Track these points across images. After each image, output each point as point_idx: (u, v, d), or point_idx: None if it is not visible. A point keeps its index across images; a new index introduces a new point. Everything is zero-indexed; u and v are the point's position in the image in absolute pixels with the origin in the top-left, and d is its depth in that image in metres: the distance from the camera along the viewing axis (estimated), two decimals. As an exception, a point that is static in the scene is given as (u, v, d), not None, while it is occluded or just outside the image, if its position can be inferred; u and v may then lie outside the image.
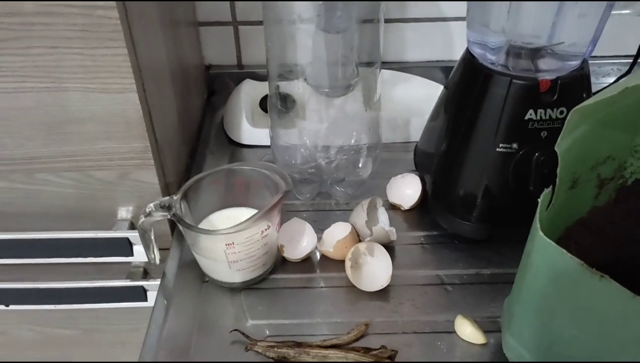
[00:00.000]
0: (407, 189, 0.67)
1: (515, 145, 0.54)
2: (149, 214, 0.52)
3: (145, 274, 0.66)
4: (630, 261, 0.46)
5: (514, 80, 0.52)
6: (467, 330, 0.51)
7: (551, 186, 0.42)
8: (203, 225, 0.57)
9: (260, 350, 0.48)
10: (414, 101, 0.79)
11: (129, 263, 0.65)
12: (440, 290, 0.57)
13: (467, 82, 0.57)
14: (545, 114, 0.52)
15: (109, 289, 0.64)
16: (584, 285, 0.36)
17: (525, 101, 0.52)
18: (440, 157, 0.61)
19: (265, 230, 0.52)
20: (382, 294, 0.56)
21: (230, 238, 0.50)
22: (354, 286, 0.56)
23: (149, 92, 0.55)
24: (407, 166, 0.70)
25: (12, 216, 0.60)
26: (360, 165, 0.67)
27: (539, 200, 0.41)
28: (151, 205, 0.52)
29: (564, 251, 0.37)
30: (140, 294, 0.65)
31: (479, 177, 0.57)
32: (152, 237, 0.55)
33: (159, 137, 0.58)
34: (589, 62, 0.55)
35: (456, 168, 0.59)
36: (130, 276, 0.65)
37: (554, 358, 0.42)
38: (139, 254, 0.61)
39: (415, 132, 0.74)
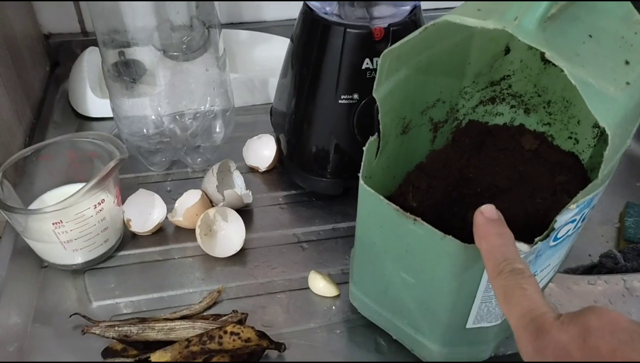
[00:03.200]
0: (264, 150, 0.65)
1: (356, 96, 0.54)
2: (-38, 199, 0.47)
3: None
4: (462, 200, 0.47)
5: (348, 30, 0.51)
6: (320, 285, 0.51)
7: (376, 133, 0.42)
8: (35, 205, 0.52)
9: (98, 332, 0.45)
10: (274, 61, 0.76)
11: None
12: (296, 248, 0.56)
13: (307, 35, 0.55)
14: (381, 62, 0.52)
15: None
16: (402, 229, 0.36)
17: (360, 50, 0.52)
18: (291, 115, 0.60)
19: (100, 204, 0.49)
20: (238, 259, 0.55)
21: (57, 216, 0.46)
22: (208, 254, 0.54)
23: (-48, 63, 0.49)
24: (267, 128, 0.68)
25: None
26: (213, 130, 0.65)
27: (364, 148, 0.41)
28: (-35, 188, 0.47)
29: (382, 198, 0.37)
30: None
31: (327, 131, 0.57)
32: (-26, 225, 0.50)
33: (-25, 113, 0.52)
34: (424, 13, 0.56)
35: (305, 125, 0.58)
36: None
37: (391, 302, 0.43)
38: (-30, 245, 0.55)
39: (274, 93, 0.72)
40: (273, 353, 0.46)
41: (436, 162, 0.51)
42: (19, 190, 0.51)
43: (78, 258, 0.51)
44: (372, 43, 0.52)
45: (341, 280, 0.52)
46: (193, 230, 0.56)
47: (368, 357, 0.47)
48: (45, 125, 0.70)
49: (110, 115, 0.70)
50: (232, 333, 0.43)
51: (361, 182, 0.38)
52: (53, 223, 0.46)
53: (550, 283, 0.50)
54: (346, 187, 0.60)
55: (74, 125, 0.71)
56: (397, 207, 0.36)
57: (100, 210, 0.49)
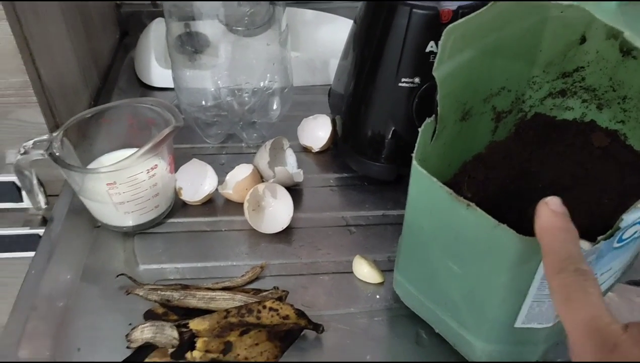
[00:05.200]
0: (319, 131, 0.64)
1: (417, 80, 0.52)
2: (25, 153, 0.48)
3: (45, 222, 0.63)
4: (520, 195, 0.45)
5: (414, 10, 0.49)
6: (364, 270, 0.50)
7: (434, 115, 0.40)
8: (93, 166, 0.53)
9: (141, 294, 0.46)
10: (337, 43, 0.75)
11: (26, 210, 0.62)
12: (343, 231, 0.55)
13: (371, 14, 0.54)
14: (446, 46, 0.50)
15: (3, 237, 0.61)
16: (454, 215, 0.35)
17: (426, 32, 0.50)
18: (349, 97, 0.59)
19: (152, 169, 0.49)
20: (284, 237, 0.54)
21: (112, 178, 0.47)
22: (255, 229, 0.54)
23: (25, 23, 0.50)
24: (324, 109, 0.67)
25: None
26: (270, 107, 0.64)
27: (420, 129, 0.39)
28: (29, 143, 0.49)
29: (434, 179, 0.35)
30: (37, 243, 0.62)
31: (385, 115, 0.55)
32: (34, 180, 0.52)
33: (45, 73, 0.54)
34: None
35: (363, 107, 0.57)
36: (27, 224, 0.61)
37: (436, 292, 0.41)
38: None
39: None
40: (311, 334, 0.46)
41: (496, 153, 0.48)
42: (79, 151, 0.52)
43: (129, 221, 0.52)
44: (438, 25, 0.49)
45: (386, 268, 0.51)
46: (242, 204, 0.56)
47: (407, 348, 0.45)
48: (110, 92, 0.71)
49: (172, 85, 0.72)
50: (271, 308, 0.43)
51: (414, 162, 0.36)
52: (107, 184, 0.47)
53: (609, 292, 0.47)
54: (400, 174, 0.59)
55: (137, 94, 0.72)
56: (450, 190, 0.34)
57: (153, 175, 0.50)
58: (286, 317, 0.43)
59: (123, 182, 0.48)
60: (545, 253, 0.28)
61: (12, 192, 0.56)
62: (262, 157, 0.57)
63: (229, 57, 0.61)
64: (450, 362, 0.44)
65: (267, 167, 0.57)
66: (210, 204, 0.57)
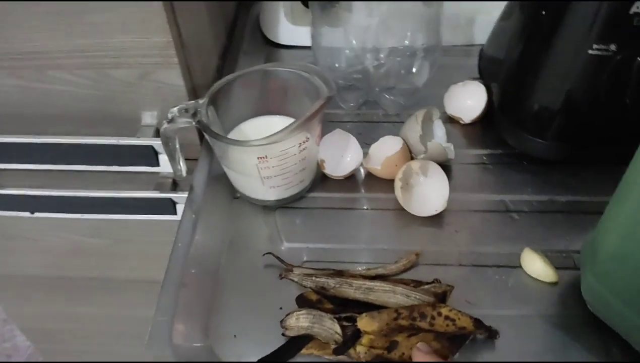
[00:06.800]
0: (468, 100, 0.58)
1: (613, 47, 0.44)
2: (171, 120, 0.45)
3: (175, 186, 0.61)
4: None
5: (621, -39, 0.41)
6: (536, 266, 0.44)
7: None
8: (233, 134, 0.50)
9: (296, 279, 0.42)
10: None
11: (157, 173, 0.60)
12: (504, 217, 0.49)
13: (556, -34, 0.46)
14: (658, 7, 0.42)
15: (135, 200, 0.60)
16: None
17: (634, -11, 0.42)
18: (513, 62, 0.51)
19: (304, 142, 0.45)
20: (436, 220, 0.49)
21: (263, 151, 0.43)
22: (403, 209, 0.49)
23: (169, -23, 0.46)
24: (469, 73, 0.61)
25: (28, 118, 0.55)
26: (414, 70, 0.58)
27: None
28: (174, 109, 0.45)
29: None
30: (168, 207, 0.60)
31: (562, 85, 0.48)
32: (177, 147, 0.49)
33: (184, 31, 0.50)
34: None
35: (533, 74, 0.49)
36: (158, 187, 0.60)
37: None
38: (166, 164, 0.55)
39: (481, 34, 0.63)
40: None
41: None
42: (221, 118, 0.48)
43: (272, 196, 0.49)
44: (651, -20, 0.41)
45: (559, 265, 0.45)
46: (386, 180, 0.51)
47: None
48: (237, 50, 0.67)
49: (301, 43, 0.67)
50: (447, 317, 0.38)
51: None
52: (258, 158, 0.43)
53: None
54: (569, 155, 0.51)
55: (263, 52, 0.68)
56: None
57: (304, 149, 0.45)
58: (462, 328, 0.38)
59: (274, 156, 0.44)
60: None
61: (149, 156, 0.54)
62: (413, 130, 0.51)
63: (369, 12, 0.55)
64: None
65: (418, 141, 0.51)
66: (351, 178, 0.53)
